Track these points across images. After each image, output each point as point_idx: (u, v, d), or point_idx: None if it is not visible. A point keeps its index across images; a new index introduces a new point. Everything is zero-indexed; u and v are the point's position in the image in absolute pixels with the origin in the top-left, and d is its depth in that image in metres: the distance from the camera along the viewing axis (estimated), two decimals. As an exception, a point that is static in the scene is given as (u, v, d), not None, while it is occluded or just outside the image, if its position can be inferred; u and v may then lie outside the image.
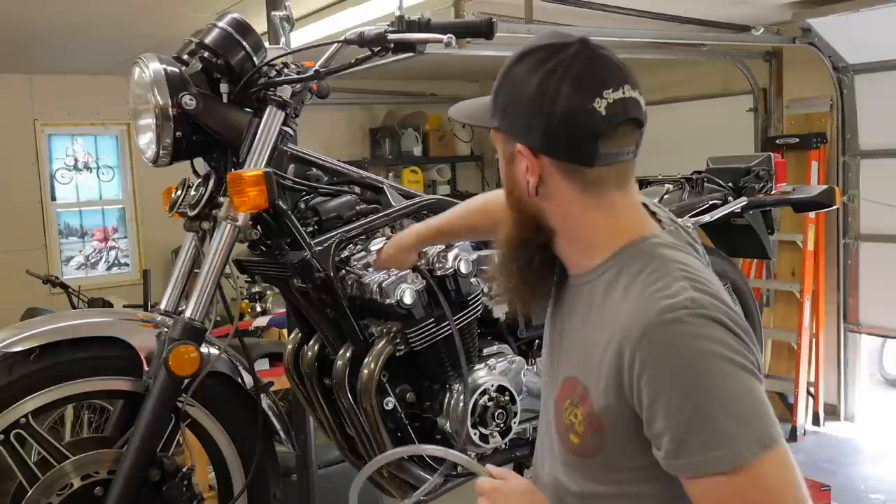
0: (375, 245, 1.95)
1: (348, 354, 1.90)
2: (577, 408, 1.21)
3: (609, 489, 1.22)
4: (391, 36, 1.80)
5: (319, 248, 1.83)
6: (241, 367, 2.00)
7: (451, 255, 1.89)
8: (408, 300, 1.81)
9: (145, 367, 1.81)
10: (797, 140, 5.11)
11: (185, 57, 1.86)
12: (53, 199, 6.30)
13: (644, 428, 1.12)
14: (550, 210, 1.24)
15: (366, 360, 1.85)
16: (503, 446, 1.98)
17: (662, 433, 1.09)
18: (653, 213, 1.30)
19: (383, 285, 1.81)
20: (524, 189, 1.23)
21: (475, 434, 1.90)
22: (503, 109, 1.24)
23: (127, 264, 6.66)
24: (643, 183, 2.95)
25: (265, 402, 2.01)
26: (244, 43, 1.84)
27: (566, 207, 1.23)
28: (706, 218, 2.67)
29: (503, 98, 1.25)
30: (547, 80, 1.18)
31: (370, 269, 1.89)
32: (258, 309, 4.75)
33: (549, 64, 1.19)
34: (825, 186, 2.90)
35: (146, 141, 1.87)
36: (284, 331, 3.97)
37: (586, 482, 1.24)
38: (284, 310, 3.24)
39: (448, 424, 1.91)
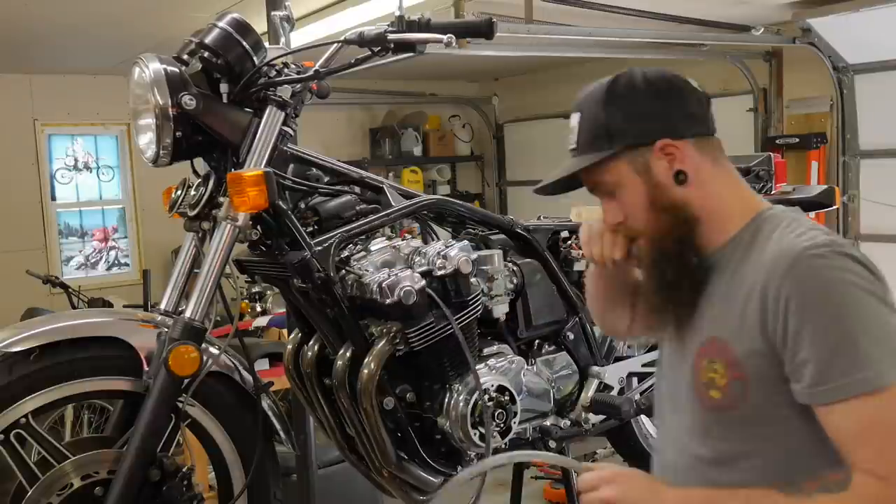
0: (375, 245, 1.95)
1: (348, 354, 1.90)
2: (716, 362, 1.27)
3: (746, 446, 1.26)
4: (391, 36, 1.80)
5: (319, 248, 1.83)
6: (241, 367, 2.00)
7: (451, 255, 1.89)
8: (408, 300, 1.81)
9: (145, 367, 1.81)
10: (797, 140, 5.11)
11: (185, 57, 1.86)
12: (53, 199, 6.29)
13: (786, 364, 1.19)
14: (692, 195, 1.32)
15: (366, 360, 1.85)
16: (503, 446, 1.98)
17: (806, 361, 1.16)
18: None
19: (383, 285, 1.81)
20: (669, 184, 1.31)
21: (475, 434, 1.89)
22: (622, 128, 1.32)
23: (127, 264, 6.65)
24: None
25: (265, 402, 2.01)
26: (244, 43, 1.84)
27: (705, 186, 1.32)
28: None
29: (619, 117, 1.33)
30: (653, 80, 1.33)
31: (370, 269, 1.89)
32: (258, 309, 4.74)
33: (636, 75, 1.34)
34: (825, 186, 2.89)
35: (146, 141, 1.86)
36: (284, 331, 3.97)
37: (723, 441, 1.28)
38: (284, 310, 3.24)
39: (448, 424, 1.90)
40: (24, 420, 1.73)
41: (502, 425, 1.95)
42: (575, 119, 1.38)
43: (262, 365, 3.57)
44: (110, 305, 4.47)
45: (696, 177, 1.31)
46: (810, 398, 1.17)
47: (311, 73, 1.89)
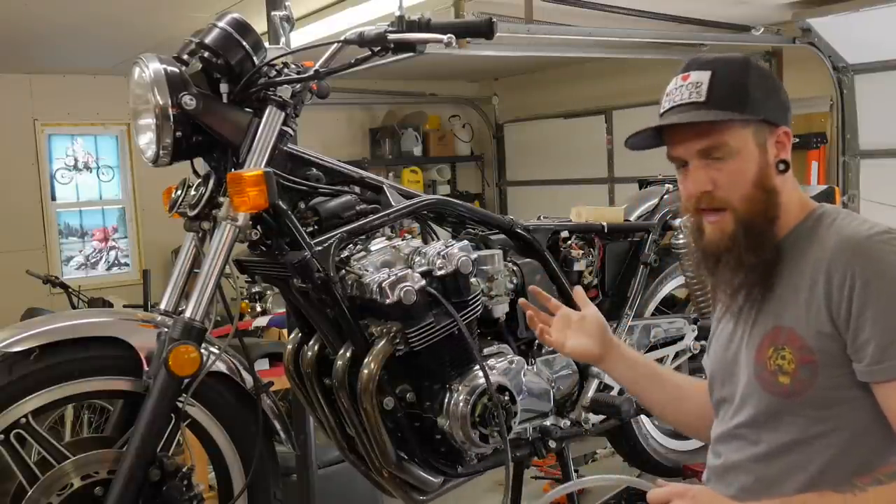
0: (375, 245, 1.95)
1: (348, 354, 1.90)
2: (784, 349, 1.31)
3: (814, 430, 1.29)
4: (391, 36, 1.80)
5: (319, 248, 1.83)
6: (241, 367, 2.00)
7: (451, 255, 1.89)
8: (408, 300, 1.81)
9: (145, 367, 1.80)
10: (797, 140, 5.09)
11: (185, 57, 1.86)
12: (53, 199, 6.29)
13: (848, 345, 1.24)
14: (781, 183, 1.37)
15: (366, 360, 1.85)
16: (503, 446, 1.98)
17: (868, 341, 1.21)
18: None
19: (383, 285, 1.81)
20: (773, 170, 1.36)
21: (475, 434, 1.89)
22: (762, 100, 1.35)
23: (127, 264, 6.65)
24: (643, 183, 2.95)
25: (265, 402, 2.01)
26: (244, 43, 1.84)
27: (787, 181, 1.38)
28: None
29: (761, 90, 1.35)
30: (772, 74, 1.44)
31: (370, 269, 1.89)
32: (258, 309, 4.74)
33: (758, 62, 1.41)
34: (825, 186, 2.90)
35: (146, 141, 1.86)
36: (284, 331, 3.97)
37: (788, 429, 1.31)
38: (284, 310, 3.24)
39: (448, 424, 1.90)
40: (24, 420, 1.72)
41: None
42: (705, 76, 1.36)
43: (262, 365, 3.57)
44: (110, 305, 4.47)
45: (788, 171, 1.38)
46: (870, 376, 1.22)
47: (311, 73, 1.89)
